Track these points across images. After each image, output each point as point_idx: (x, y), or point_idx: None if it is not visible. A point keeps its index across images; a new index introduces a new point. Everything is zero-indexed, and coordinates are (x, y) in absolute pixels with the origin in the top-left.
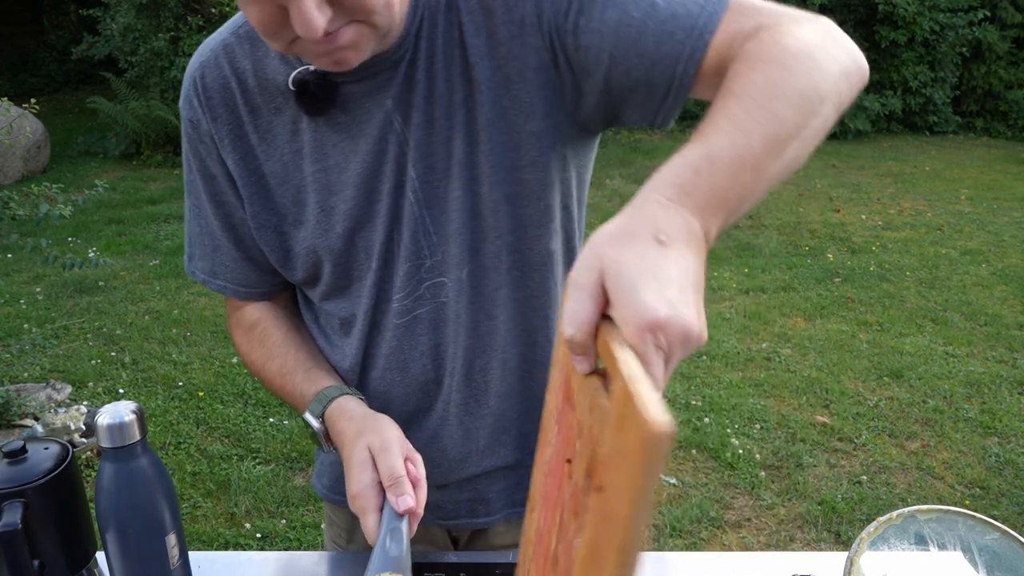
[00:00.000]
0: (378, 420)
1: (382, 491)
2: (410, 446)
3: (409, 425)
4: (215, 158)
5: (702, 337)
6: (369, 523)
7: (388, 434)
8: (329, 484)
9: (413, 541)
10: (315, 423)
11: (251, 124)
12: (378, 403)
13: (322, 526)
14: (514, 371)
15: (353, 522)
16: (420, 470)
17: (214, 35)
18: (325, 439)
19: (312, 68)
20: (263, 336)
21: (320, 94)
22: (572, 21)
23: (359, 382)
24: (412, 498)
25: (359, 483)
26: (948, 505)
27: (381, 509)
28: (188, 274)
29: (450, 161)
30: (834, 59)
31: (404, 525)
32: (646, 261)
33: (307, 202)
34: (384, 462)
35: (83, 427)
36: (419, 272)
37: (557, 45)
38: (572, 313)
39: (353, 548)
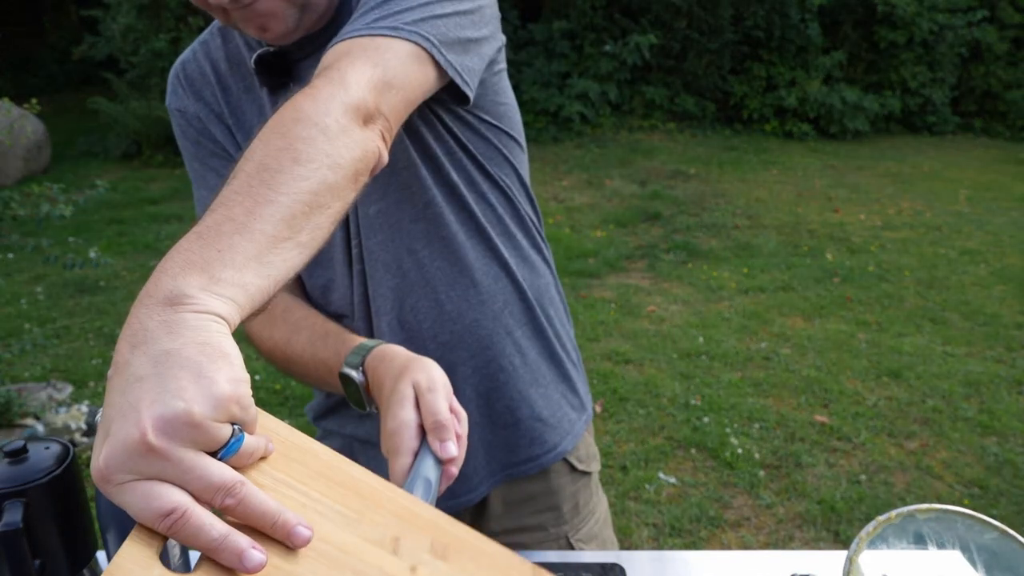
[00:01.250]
0: (424, 360)
1: (420, 434)
2: (455, 399)
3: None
4: (207, 135)
5: (168, 429)
6: (399, 465)
7: (435, 374)
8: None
9: None
10: (355, 374)
11: (225, 103)
12: None
13: None
14: (450, 313)
15: None
16: (463, 427)
17: (195, 40)
18: (366, 392)
19: (271, 48)
20: (286, 313)
21: (277, 69)
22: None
23: None
24: (455, 447)
25: (396, 419)
26: (947, 504)
27: (415, 454)
28: None
29: None
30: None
31: (436, 477)
32: (114, 399)
33: None
34: (429, 402)
35: (84, 427)
36: (366, 214)
37: None
38: None
39: None
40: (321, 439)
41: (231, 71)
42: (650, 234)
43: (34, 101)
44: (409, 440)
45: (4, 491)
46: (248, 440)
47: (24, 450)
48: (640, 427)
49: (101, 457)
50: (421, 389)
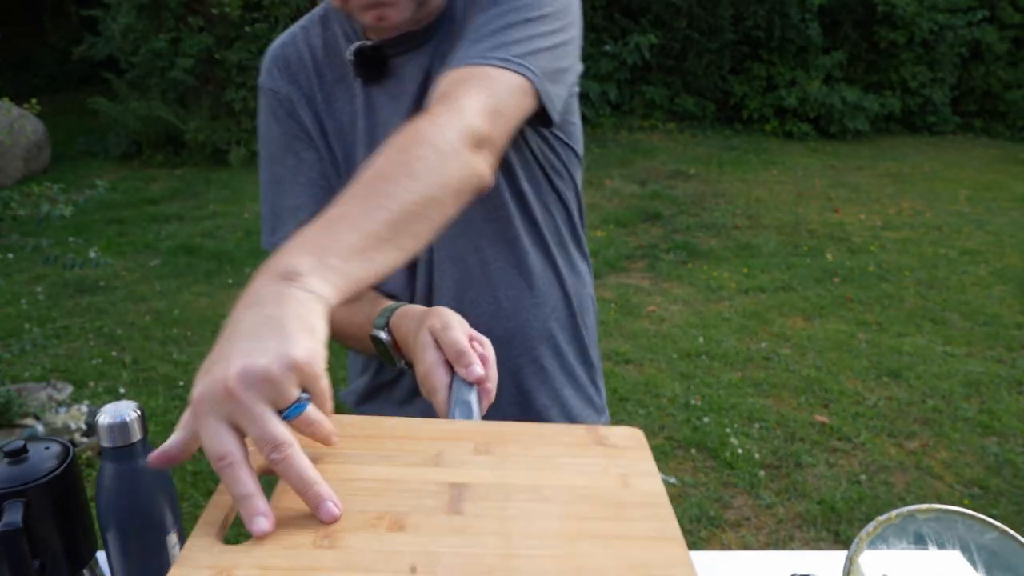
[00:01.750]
0: (436, 308)
1: (450, 369)
2: (473, 330)
3: None
4: (296, 118)
5: (251, 377)
6: (438, 402)
7: (448, 315)
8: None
9: None
10: (382, 334)
11: (319, 88)
12: None
13: None
14: (506, 311)
15: None
16: (488, 350)
17: (293, 25)
18: (395, 349)
19: (368, 42)
20: None
21: (373, 62)
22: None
23: None
24: (480, 367)
25: (423, 363)
26: (947, 504)
27: (449, 387)
28: (270, 248)
29: None
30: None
31: (473, 398)
32: (224, 346)
33: (357, 155)
34: (446, 338)
35: (84, 427)
36: None
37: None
38: None
39: None
40: None
41: (327, 59)
42: (650, 234)
43: (34, 101)
44: (440, 377)
45: (4, 491)
46: (310, 409)
47: (24, 450)
48: (640, 427)
49: (197, 389)
50: (437, 330)
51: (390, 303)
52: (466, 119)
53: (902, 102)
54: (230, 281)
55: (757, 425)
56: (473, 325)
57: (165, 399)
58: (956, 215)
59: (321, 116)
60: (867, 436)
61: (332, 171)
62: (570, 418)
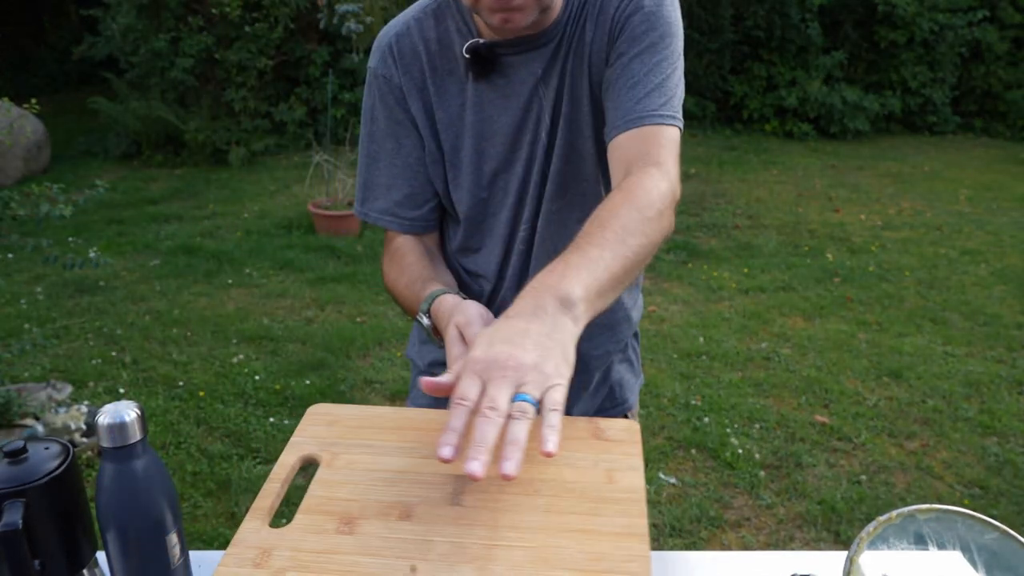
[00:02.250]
0: (464, 303)
1: None
2: (493, 318)
3: None
4: (403, 105)
5: (520, 365)
6: None
7: (471, 311)
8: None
9: None
10: (424, 319)
11: (431, 80)
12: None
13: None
14: None
15: None
16: None
17: (404, 13)
18: (434, 333)
19: (482, 40)
20: (400, 258)
21: (486, 60)
22: (616, 52)
23: (494, 302)
24: None
25: (453, 356)
26: (947, 505)
27: None
28: (359, 216)
29: (580, 122)
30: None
31: None
32: (487, 331)
33: (463, 146)
34: (469, 335)
35: (84, 427)
36: (537, 205)
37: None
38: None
39: None
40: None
41: (440, 52)
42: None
43: (34, 101)
44: None
45: (4, 491)
46: (527, 405)
47: (24, 450)
48: (640, 427)
49: (479, 352)
50: (461, 325)
51: (435, 288)
52: (672, 183)
53: (902, 102)
54: (230, 281)
55: (757, 425)
56: None
57: (165, 399)
58: (956, 215)
59: (432, 106)
60: (867, 436)
61: (434, 157)
62: (622, 385)
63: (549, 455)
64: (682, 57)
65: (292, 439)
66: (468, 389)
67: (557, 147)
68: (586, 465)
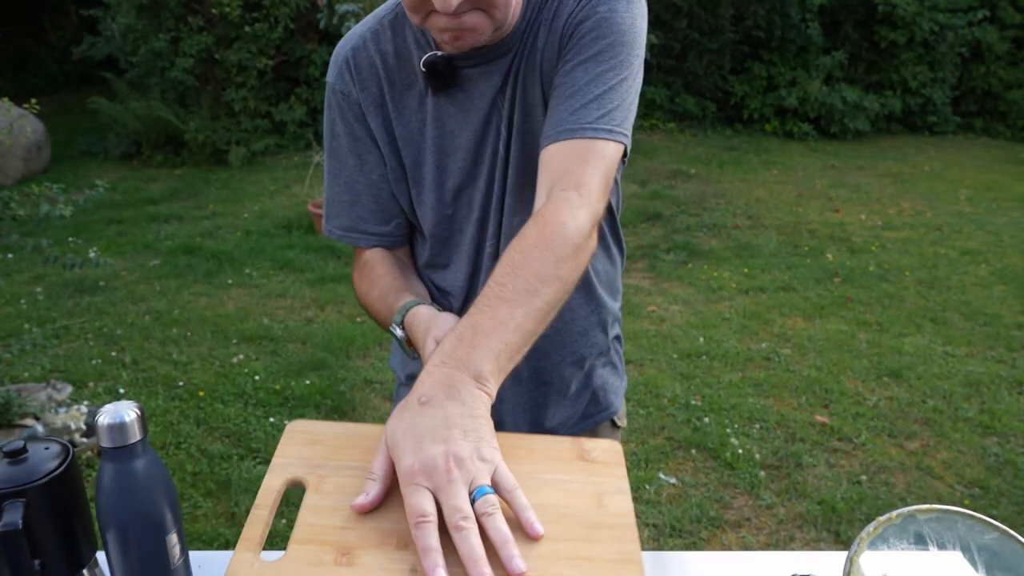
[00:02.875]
0: (441, 316)
1: None
2: None
3: None
4: (362, 122)
5: (461, 462)
6: None
7: (448, 324)
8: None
9: None
10: (398, 331)
11: (389, 95)
12: None
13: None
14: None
15: None
16: None
17: (361, 24)
18: (408, 345)
19: (440, 53)
20: (370, 271)
21: (445, 74)
22: (563, 60)
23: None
24: None
25: None
26: (947, 505)
27: None
28: (326, 233)
29: (535, 130)
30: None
31: None
32: (404, 423)
33: (424, 162)
34: None
35: (83, 427)
36: (501, 217)
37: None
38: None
39: None
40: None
41: (397, 66)
42: (650, 234)
43: (34, 101)
44: None
45: (4, 491)
46: (490, 496)
47: (24, 450)
48: (640, 427)
49: (408, 460)
50: (440, 339)
51: (408, 300)
52: (592, 205)
53: (903, 102)
54: (230, 281)
55: (757, 425)
56: None
57: (165, 399)
58: (956, 215)
59: (391, 122)
60: (867, 436)
61: (396, 174)
62: (604, 389)
63: (539, 537)
64: (637, 68)
65: (275, 460)
66: (423, 504)
67: (513, 159)
68: (576, 489)
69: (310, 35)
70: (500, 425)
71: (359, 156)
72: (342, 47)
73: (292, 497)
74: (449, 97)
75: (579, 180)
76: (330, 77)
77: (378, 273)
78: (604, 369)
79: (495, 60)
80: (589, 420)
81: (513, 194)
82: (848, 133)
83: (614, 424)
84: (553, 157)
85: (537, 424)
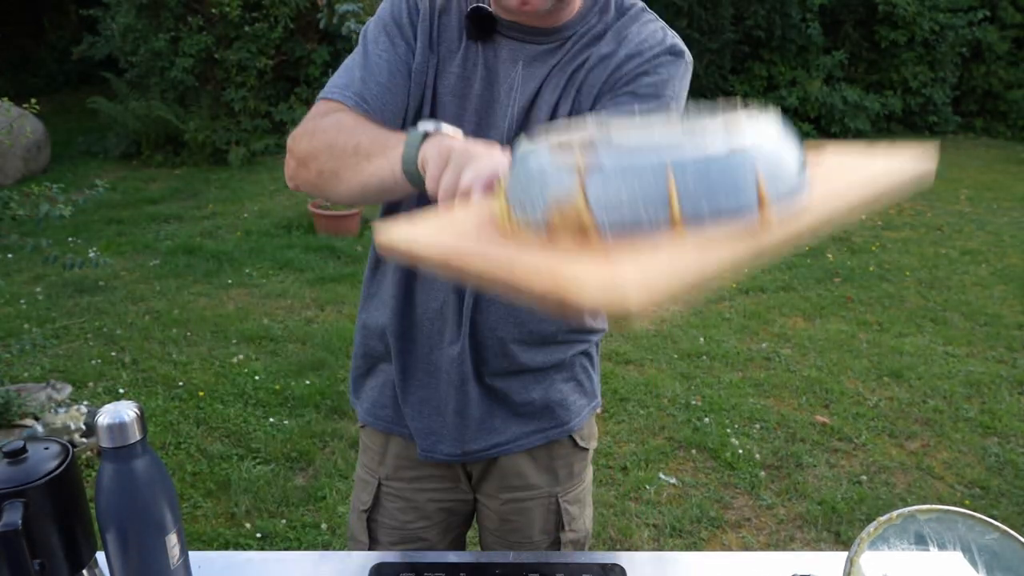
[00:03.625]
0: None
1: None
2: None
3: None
4: (412, 17)
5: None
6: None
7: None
8: (368, 407)
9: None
10: (430, 125)
11: (436, 25)
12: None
13: (352, 475)
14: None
15: (386, 445)
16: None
17: None
18: (423, 139)
19: (486, 7)
20: (355, 117)
21: (484, 25)
22: (623, 85)
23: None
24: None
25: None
26: (948, 505)
27: None
28: (321, 96)
29: (534, 125)
30: None
31: None
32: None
33: (440, 90)
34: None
35: (83, 427)
36: None
37: (607, 85)
38: None
39: (383, 472)
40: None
41: (444, 7)
42: None
43: (33, 101)
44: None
45: (4, 491)
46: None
47: (24, 450)
48: (640, 427)
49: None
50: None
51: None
52: None
53: (903, 102)
54: (229, 281)
55: (758, 425)
56: (498, 339)
57: (164, 399)
58: (957, 215)
59: (433, 39)
60: (868, 436)
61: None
62: (563, 406)
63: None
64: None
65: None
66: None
67: (510, 138)
68: None
69: (310, 35)
70: (439, 443)
71: (392, 40)
72: None
73: (292, 498)
74: (480, 48)
75: None
76: None
77: (368, 120)
78: (567, 384)
79: (529, 44)
80: (544, 434)
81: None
82: (848, 133)
83: (576, 444)
84: None
85: (487, 435)
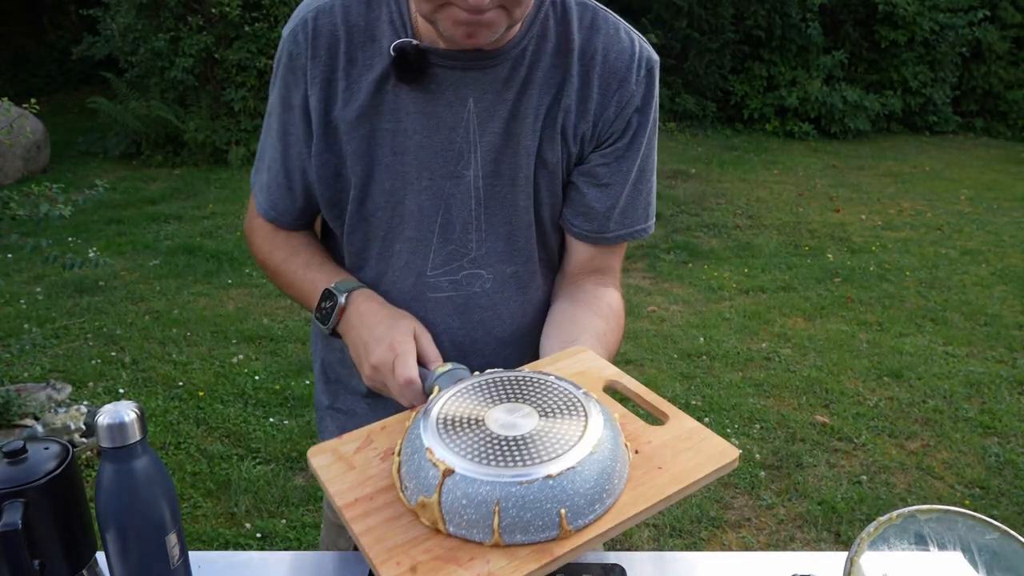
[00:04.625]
0: (408, 317)
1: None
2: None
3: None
4: (301, 91)
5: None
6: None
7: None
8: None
9: None
10: (341, 297)
11: (343, 72)
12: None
13: (323, 511)
14: (525, 353)
15: None
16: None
17: None
18: (339, 314)
19: (415, 41)
20: (287, 239)
21: (414, 65)
22: (608, 145)
23: None
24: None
25: (408, 364)
26: (948, 505)
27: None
28: (251, 184)
29: (517, 175)
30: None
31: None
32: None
33: (373, 153)
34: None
35: (83, 427)
36: (463, 260)
37: (593, 142)
38: None
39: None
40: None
41: (363, 44)
42: (650, 234)
43: (33, 101)
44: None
45: (4, 491)
46: None
47: (23, 450)
48: None
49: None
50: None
51: (351, 277)
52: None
53: (903, 102)
54: (229, 281)
55: (758, 425)
56: (479, 340)
57: (164, 399)
58: (957, 215)
59: (336, 100)
60: (868, 436)
61: (321, 159)
62: None
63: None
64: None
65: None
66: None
67: (481, 190)
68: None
69: None
70: None
71: (283, 127)
72: (307, 6)
73: (292, 498)
74: (412, 93)
75: (617, 274)
76: (286, 30)
77: (300, 242)
78: None
79: (473, 69)
80: None
81: (480, 228)
82: (848, 133)
83: None
84: (602, 252)
85: None
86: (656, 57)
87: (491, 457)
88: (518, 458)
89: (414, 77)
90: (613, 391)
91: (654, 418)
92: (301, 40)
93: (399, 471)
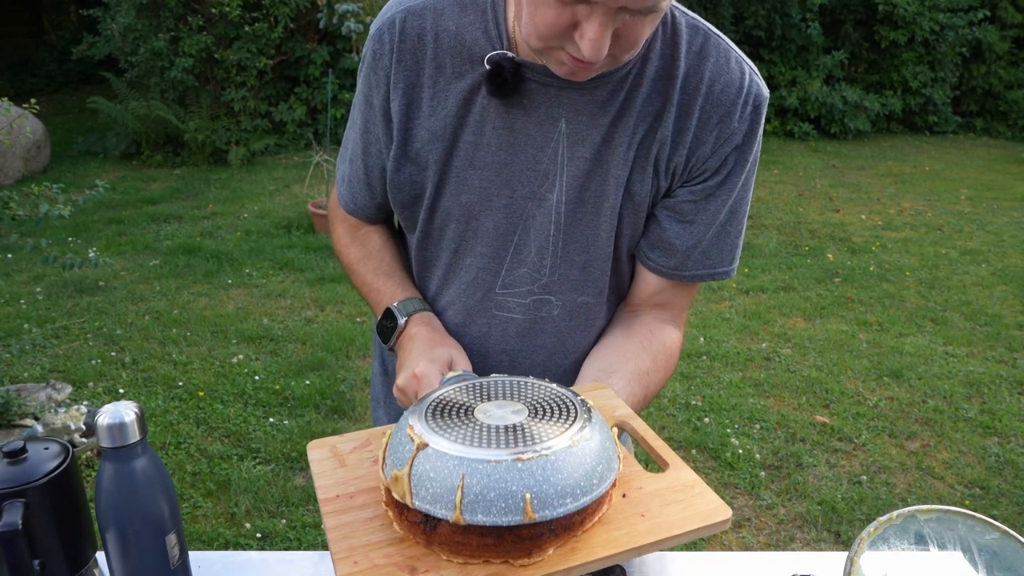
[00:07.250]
0: (448, 344)
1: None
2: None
3: None
4: (382, 93)
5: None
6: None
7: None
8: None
9: None
10: (401, 319)
11: (430, 79)
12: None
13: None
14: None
15: None
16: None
17: None
18: (397, 335)
19: (510, 54)
20: (365, 238)
21: (509, 80)
22: (700, 181)
23: None
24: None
25: (429, 374)
26: (948, 505)
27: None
28: (336, 169)
29: (602, 204)
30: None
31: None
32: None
33: (452, 165)
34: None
35: (83, 427)
36: (533, 284)
37: (683, 176)
38: None
39: None
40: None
41: (453, 50)
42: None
43: (33, 101)
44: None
45: (4, 491)
46: None
47: (23, 450)
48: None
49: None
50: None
51: (420, 299)
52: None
53: (903, 102)
54: (229, 281)
55: (758, 425)
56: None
57: (164, 399)
58: (957, 215)
59: (420, 107)
60: (868, 436)
61: (398, 164)
62: None
63: None
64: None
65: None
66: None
67: (563, 215)
68: None
69: (310, 35)
70: None
71: (365, 124)
72: (397, 4)
73: (292, 498)
74: (501, 108)
75: (683, 312)
76: (373, 27)
77: (374, 245)
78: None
79: (570, 89)
80: None
81: (556, 254)
82: (848, 133)
83: None
84: (672, 288)
85: None
86: (767, 93)
87: (469, 439)
88: (495, 443)
89: (507, 92)
90: (621, 432)
91: (657, 465)
92: (387, 41)
93: (384, 451)
